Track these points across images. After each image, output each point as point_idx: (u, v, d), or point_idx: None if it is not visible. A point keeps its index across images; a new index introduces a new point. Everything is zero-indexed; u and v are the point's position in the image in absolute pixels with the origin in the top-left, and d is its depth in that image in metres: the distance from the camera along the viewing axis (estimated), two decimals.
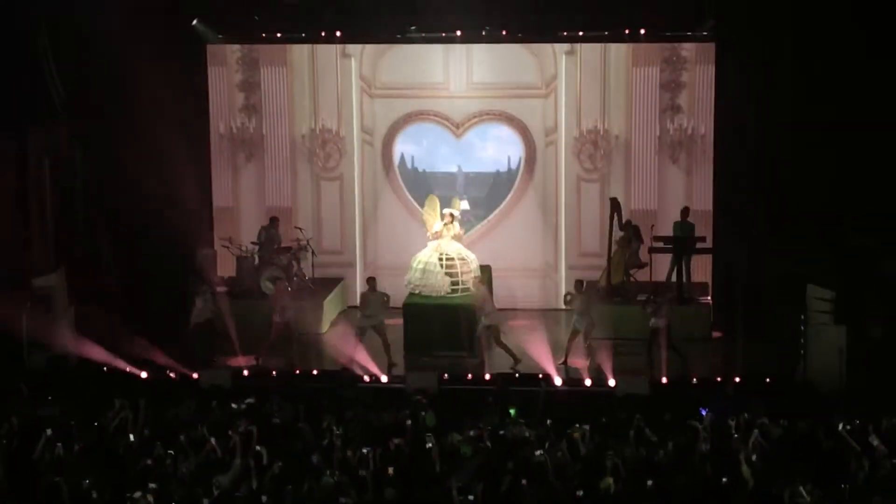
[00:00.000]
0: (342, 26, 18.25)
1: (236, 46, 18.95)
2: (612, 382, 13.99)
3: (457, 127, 19.03)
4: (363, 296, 15.81)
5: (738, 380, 13.84)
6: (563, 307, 18.13)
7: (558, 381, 14.12)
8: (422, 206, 17.83)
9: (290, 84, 19.18)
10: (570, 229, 18.94)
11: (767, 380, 13.82)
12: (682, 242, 16.78)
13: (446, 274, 16.35)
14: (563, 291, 18.58)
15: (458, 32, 18.04)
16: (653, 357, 14.57)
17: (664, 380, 14.08)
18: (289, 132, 19.33)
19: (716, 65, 17.67)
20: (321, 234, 19.03)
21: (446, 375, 14.31)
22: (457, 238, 16.80)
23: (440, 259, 16.47)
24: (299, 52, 19.13)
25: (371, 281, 15.97)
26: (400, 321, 16.08)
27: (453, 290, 16.36)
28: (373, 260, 19.43)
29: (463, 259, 16.47)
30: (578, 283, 15.75)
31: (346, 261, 19.25)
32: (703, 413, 12.10)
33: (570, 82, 18.74)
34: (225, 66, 19.18)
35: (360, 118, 19.19)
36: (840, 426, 11.48)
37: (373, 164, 19.37)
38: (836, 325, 14.12)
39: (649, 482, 10.39)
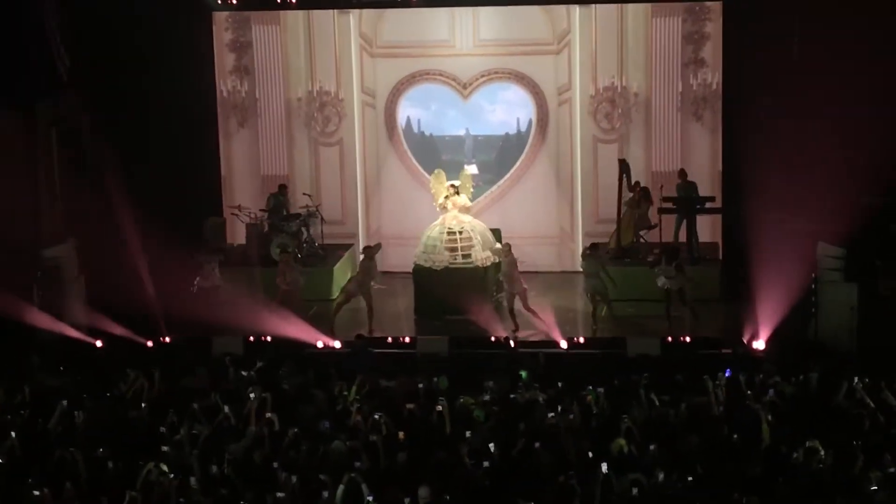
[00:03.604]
0: None
1: None
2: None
3: (464, 87, 21.57)
4: (362, 264, 18.51)
5: (749, 339, 16.69)
6: (579, 269, 20.49)
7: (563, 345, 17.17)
8: (428, 171, 20.44)
9: (285, 43, 21.57)
10: (586, 194, 21.49)
11: (779, 339, 16.61)
12: (691, 203, 19.53)
13: (446, 248, 18.92)
14: (580, 259, 20.98)
15: None
16: (669, 315, 17.72)
17: (669, 338, 17.10)
18: (284, 95, 21.76)
19: (723, 20, 20.21)
20: (321, 203, 21.35)
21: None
22: (464, 209, 19.32)
23: (441, 234, 19.03)
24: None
25: (367, 249, 18.70)
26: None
27: (453, 264, 18.87)
28: (377, 230, 21.99)
29: (464, 232, 18.96)
30: (592, 245, 18.65)
31: (348, 231, 21.75)
32: (728, 374, 14.70)
33: (585, 37, 21.10)
34: (214, 24, 21.44)
35: (360, 79, 21.66)
36: (853, 384, 13.95)
37: (375, 127, 21.85)
38: (848, 283, 16.95)
39: (651, 447, 12.60)
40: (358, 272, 18.59)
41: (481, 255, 18.99)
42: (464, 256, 18.96)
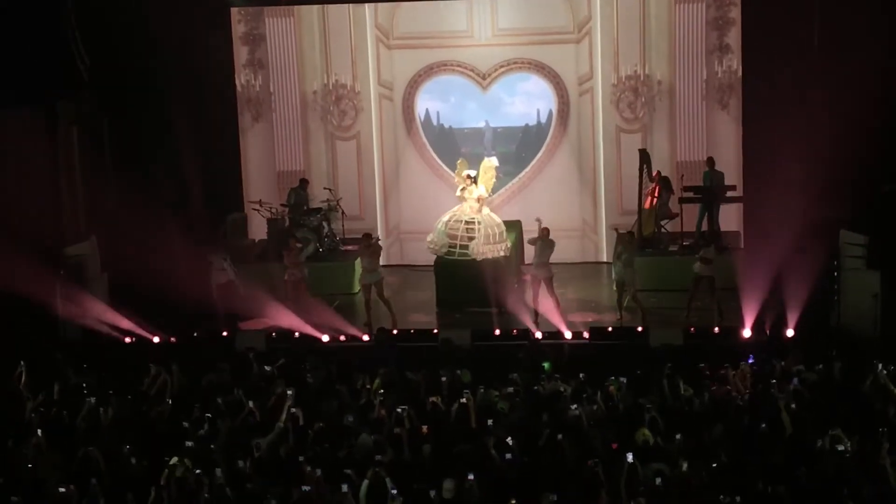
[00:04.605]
0: None
1: None
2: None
3: (483, 78, 22.68)
4: (364, 246, 19.58)
5: (772, 328, 17.78)
6: (602, 260, 22.33)
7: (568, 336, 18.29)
8: (448, 164, 21.55)
9: (299, 36, 22.74)
10: (609, 185, 22.57)
11: (802, 327, 17.66)
12: (712, 192, 20.61)
13: (447, 235, 20.15)
14: (604, 252, 22.43)
15: None
16: (690, 304, 18.85)
17: (692, 328, 18.23)
18: (299, 88, 22.94)
19: (742, 6, 21.28)
20: (341, 197, 22.47)
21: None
22: (481, 200, 20.36)
23: (448, 220, 20.24)
24: None
25: (366, 237, 19.90)
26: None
27: (449, 252, 20.10)
28: (396, 225, 23.13)
29: (471, 224, 20.11)
30: (630, 234, 19.81)
31: (366, 227, 22.39)
32: (750, 361, 15.90)
33: (606, 24, 22.17)
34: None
35: (377, 71, 22.78)
36: (877, 371, 14.99)
37: (393, 120, 22.95)
38: (870, 270, 18.03)
39: (678, 436, 13.57)
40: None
41: (479, 249, 19.99)
42: (461, 247, 20.06)
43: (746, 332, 18.00)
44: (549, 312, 18.93)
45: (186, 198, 20.41)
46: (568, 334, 18.39)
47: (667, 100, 22.43)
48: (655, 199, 21.15)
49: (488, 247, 20.14)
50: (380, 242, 20.58)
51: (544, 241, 19.28)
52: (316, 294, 19.96)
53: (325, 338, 18.64)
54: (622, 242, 19.44)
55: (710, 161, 21.32)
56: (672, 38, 22.18)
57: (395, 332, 18.62)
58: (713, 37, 22.09)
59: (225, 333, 18.75)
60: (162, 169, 20.39)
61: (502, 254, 20.25)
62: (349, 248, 21.90)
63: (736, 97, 22.11)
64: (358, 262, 20.60)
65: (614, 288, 19.90)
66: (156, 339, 18.62)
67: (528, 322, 18.83)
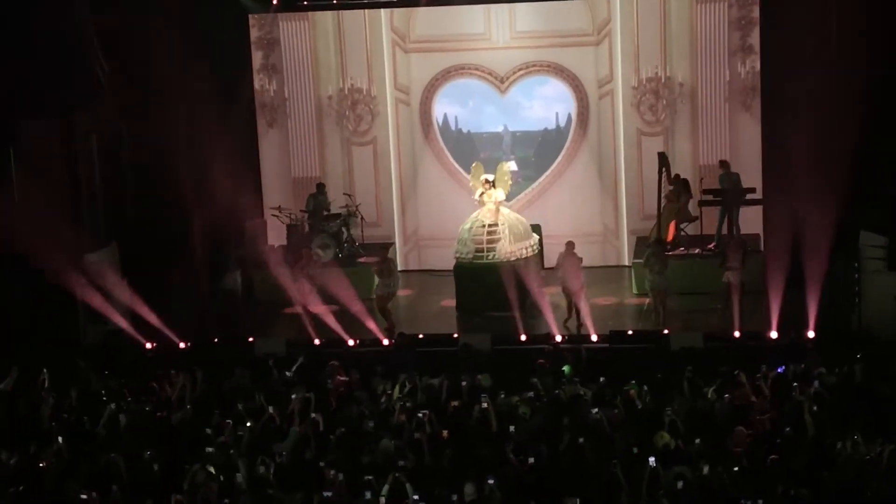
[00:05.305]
0: None
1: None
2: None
3: (501, 81, 23.30)
4: (379, 264, 20.54)
5: (793, 330, 18.44)
6: (623, 264, 23.06)
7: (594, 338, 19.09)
8: (466, 170, 22.23)
9: (314, 39, 23.39)
10: (630, 189, 23.16)
11: (823, 329, 18.36)
12: (731, 194, 21.22)
13: (472, 241, 20.94)
14: (626, 256, 23.12)
15: None
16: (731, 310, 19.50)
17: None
18: (314, 93, 23.58)
19: (760, 6, 21.87)
20: (360, 203, 23.15)
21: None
22: (499, 204, 21.12)
23: (471, 227, 21.02)
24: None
25: (382, 253, 20.81)
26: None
27: (476, 258, 20.90)
28: (414, 231, 23.78)
29: (494, 226, 20.93)
30: (657, 242, 20.53)
31: (383, 234, 23.47)
32: (781, 371, 16.52)
33: (626, 25, 22.73)
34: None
35: (393, 75, 23.42)
36: None
37: (410, 125, 23.58)
38: (891, 272, 18.68)
39: (696, 440, 14.18)
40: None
41: (506, 250, 20.83)
42: (488, 251, 20.85)
43: (769, 335, 18.69)
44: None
45: (206, 203, 21.06)
46: (594, 337, 19.19)
47: (688, 102, 22.95)
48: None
49: (517, 244, 20.99)
50: (390, 255, 21.44)
51: (572, 256, 20.07)
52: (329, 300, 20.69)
53: (351, 342, 19.39)
54: (653, 251, 20.17)
55: (724, 164, 21.91)
56: (694, 38, 22.68)
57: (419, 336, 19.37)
58: (736, 37, 22.59)
59: (251, 339, 19.45)
60: (179, 175, 21.05)
61: (531, 250, 21.09)
62: (364, 260, 22.55)
63: (759, 99, 22.56)
64: None
65: (635, 291, 20.82)
66: (182, 346, 19.39)
67: (552, 326, 19.55)
